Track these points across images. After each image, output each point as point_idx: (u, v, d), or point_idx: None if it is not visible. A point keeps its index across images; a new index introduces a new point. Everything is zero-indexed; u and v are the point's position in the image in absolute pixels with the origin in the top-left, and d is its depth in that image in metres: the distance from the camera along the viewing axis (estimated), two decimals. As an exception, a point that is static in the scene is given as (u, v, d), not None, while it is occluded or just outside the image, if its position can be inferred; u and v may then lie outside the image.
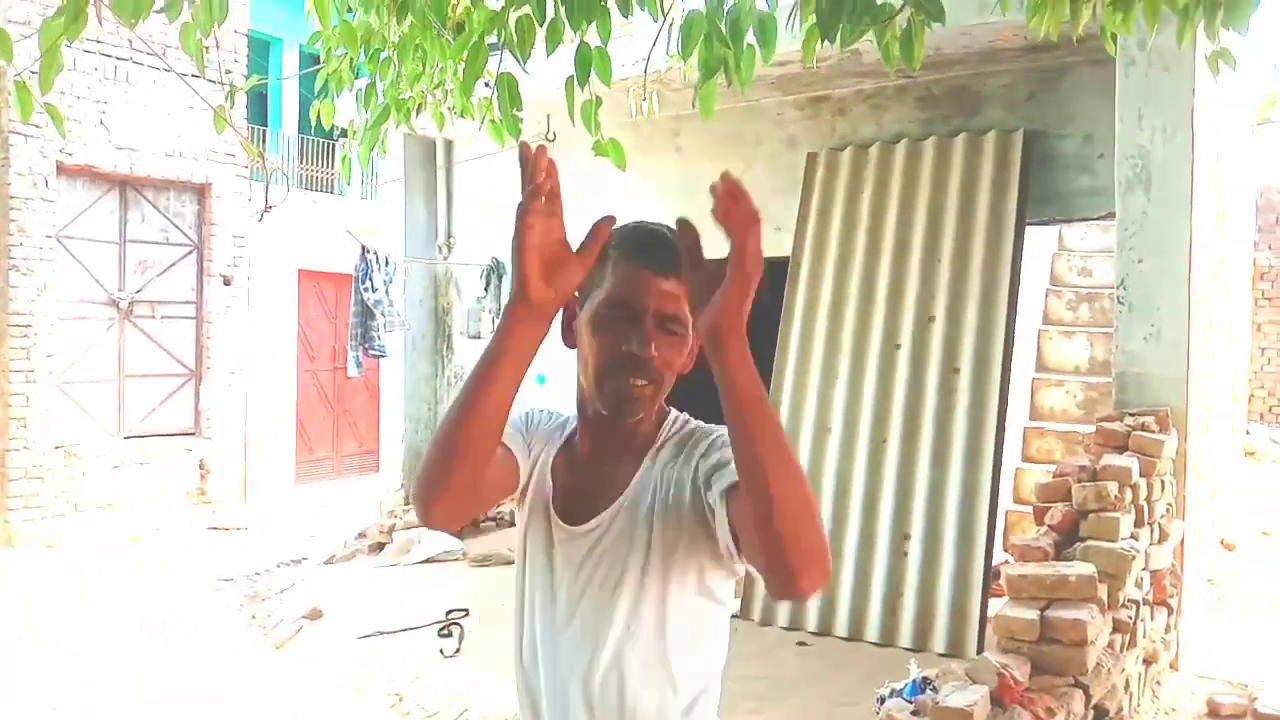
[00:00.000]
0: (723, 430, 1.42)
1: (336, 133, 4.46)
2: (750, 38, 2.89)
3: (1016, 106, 6.09)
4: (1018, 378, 6.90)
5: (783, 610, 5.88)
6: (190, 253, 9.24)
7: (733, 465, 1.27)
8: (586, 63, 3.05)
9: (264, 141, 11.93)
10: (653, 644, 1.46)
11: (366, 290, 6.66)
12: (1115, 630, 3.43)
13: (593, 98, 3.37)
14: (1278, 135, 10.75)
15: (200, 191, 9.22)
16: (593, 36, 3.01)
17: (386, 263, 6.95)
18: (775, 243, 6.87)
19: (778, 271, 6.62)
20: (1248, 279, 9.35)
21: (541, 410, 1.62)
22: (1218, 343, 6.39)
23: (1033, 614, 3.13)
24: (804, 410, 6.19)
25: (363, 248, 6.88)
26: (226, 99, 4.10)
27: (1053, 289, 7.93)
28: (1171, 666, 4.38)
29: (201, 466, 9.19)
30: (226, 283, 9.35)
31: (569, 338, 1.50)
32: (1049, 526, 3.63)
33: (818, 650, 5.37)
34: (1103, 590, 3.27)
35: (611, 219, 1.32)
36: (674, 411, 1.57)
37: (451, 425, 1.30)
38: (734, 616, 6.11)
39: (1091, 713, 3.20)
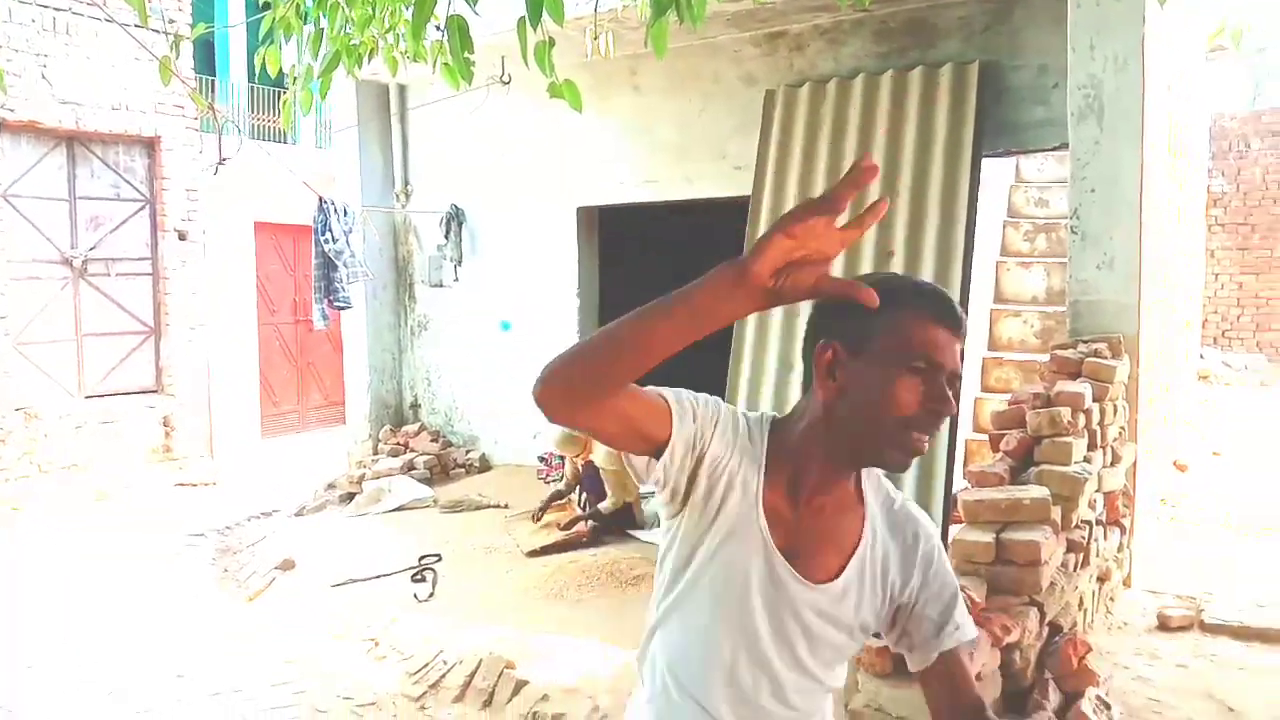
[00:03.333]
0: (935, 535, 1.54)
1: (288, 81, 4.38)
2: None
3: (972, 38, 6.09)
4: (976, 309, 7.01)
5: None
6: (143, 208, 9.07)
7: (961, 629, 1.50)
8: (538, 2, 3.02)
9: (213, 92, 11.66)
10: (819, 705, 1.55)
11: (327, 241, 6.59)
12: (1069, 550, 3.55)
13: (546, 38, 3.33)
14: (1229, 64, 10.82)
15: (150, 145, 9.03)
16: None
17: (345, 212, 6.87)
18: (736, 181, 6.88)
19: (739, 210, 6.63)
20: (1201, 206, 9.48)
21: (743, 418, 1.49)
22: (1171, 269, 6.51)
23: (989, 537, 3.23)
24: (768, 348, 6.25)
25: (320, 198, 6.80)
26: (172, 49, 4.03)
27: (1010, 220, 8.01)
28: (1124, 583, 4.53)
29: (165, 423, 9.13)
30: (182, 237, 9.20)
31: (828, 383, 1.43)
32: (1004, 452, 3.72)
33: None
34: (1056, 512, 3.37)
35: (874, 166, 1.22)
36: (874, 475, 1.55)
37: (606, 344, 1.27)
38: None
39: (1046, 629, 3.32)
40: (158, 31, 8.11)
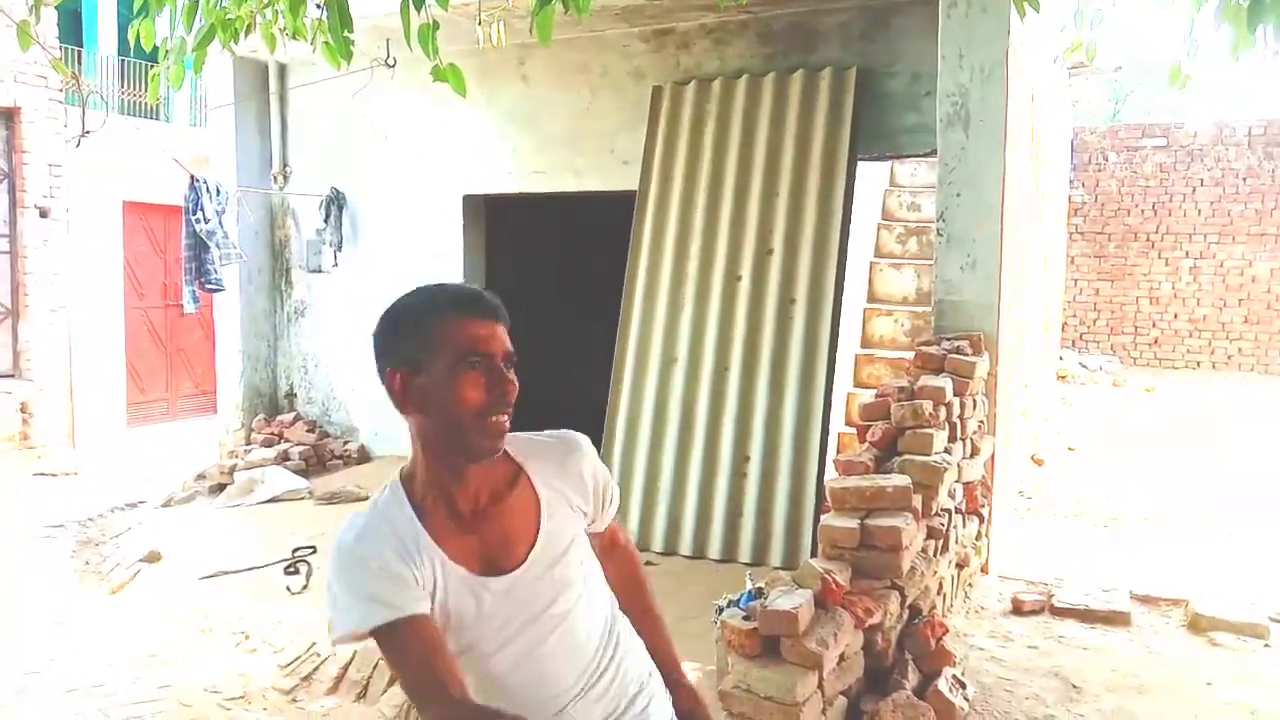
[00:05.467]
0: (581, 441, 1.77)
1: (160, 55, 4.23)
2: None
3: (850, 44, 6.28)
4: (850, 308, 7.23)
5: (631, 534, 6.07)
6: (0, 181, 8.59)
7: (614, 501, 1.81)
8: (422, -15, 3.01)
9: (79, 63, 11.10)
10: (603, 614, 1.74)
11: (198, 221, 6.35)
12: (929, 537, 3.72)
13: (430, 21, 3.31)
14: (1090, 81, 11.43)
15: (9, 115, 8.54)
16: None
17: (218, 192, 6.64)
18: (623, 175, 6.93)
19: (626, 205, 6.69)
20: (1063, 214, 9.99)
21: (375, 558, 1.56)
22: (1032, 273, 6.85)
23: (853, 523, 3.36)
24: (652, 341, 6.33)
25: (191, 176, 6.55)
26: (32, 12, 3.83)
27: (884, 223, 8.29)
28: (982, 570, 4.77)
29: (23, 409, 8.67)
30: (43, 214, 8.74)
31: (408, 408, 1.58)
32: (870, 443, 3.88)
33: (664, 569, 5.58)
34: (917, 500, 3.53)
35: None
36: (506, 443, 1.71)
37: None
38: (583, 542, 6.27)
39: (907, 612, 3.48)
40: (18, -3, 7.69)
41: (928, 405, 3.84)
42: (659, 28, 6.85)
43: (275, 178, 8.17)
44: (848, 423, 7.24)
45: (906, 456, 3.73)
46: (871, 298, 7.92)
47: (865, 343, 7.72)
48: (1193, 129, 11.50)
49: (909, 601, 3.46)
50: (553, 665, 1.64)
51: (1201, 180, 11.50)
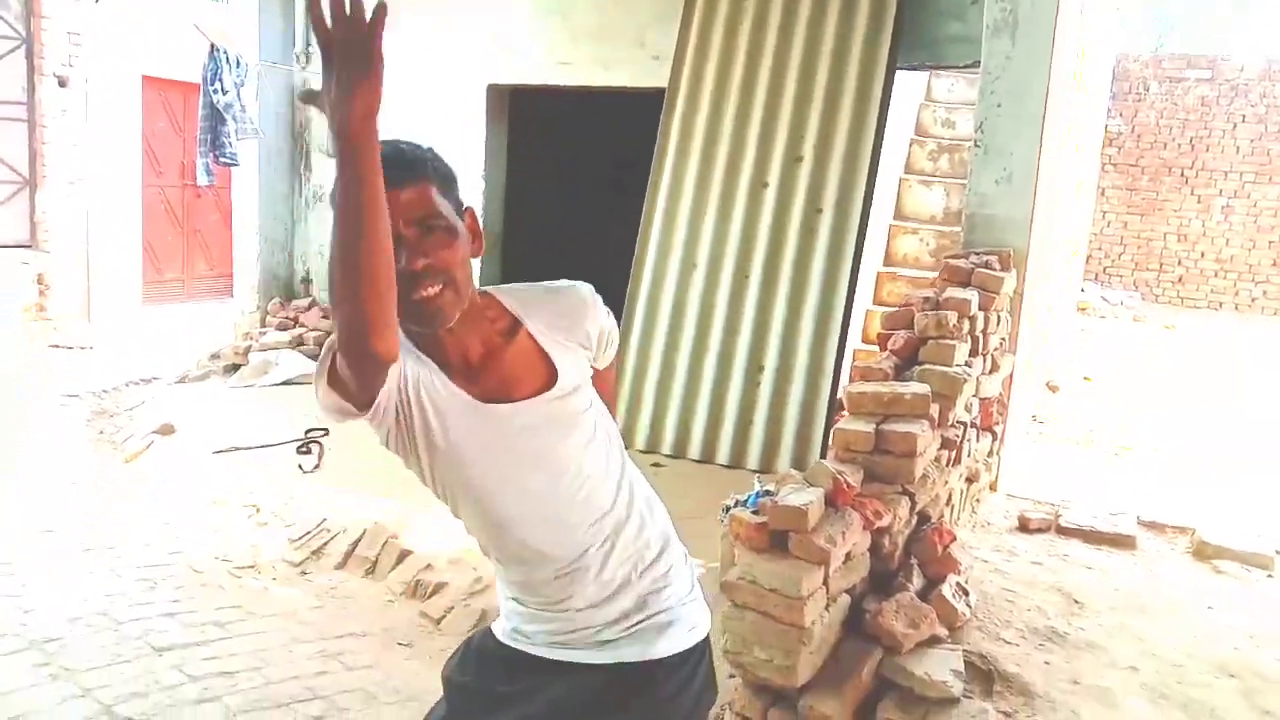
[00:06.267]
0: (582, 289, 1.70)
1: None
2: None
3: (898, -53, 6.04)
4: (875, 224, 7.12)
5: (640, 435, 6.09)
6: (18, 47, 8.44)
7: (612, 344, 1.74)
8: None
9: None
10: (617, 463, 1.69)
11: (216, 92, 6.23)
12: (943, 447, 3.70)
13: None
14: (1138, 5, 11.06)
15: (27, -22, 8.39)
16: None
17: (238, 64, 6.50)
18: (653, 71, 6.76)
19: (654, 101, 6.54)
20: (1098, 143, 9.77)
21: None
22: (1065, 197, 6.71)
23: (869, 427, 3.34)
24: (673, 245, 6.25)
25: (211, 45, 6.40)
26: None
27: (916, 139, 8.12)
28: (990, 487, 4.77)
29: (40, 281, 8.69)
30: (62, 84, 8.62)
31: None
32: (890, 351, 3.84)
33: (672, 471, 5.61)
34: (935, 409, 3.51)
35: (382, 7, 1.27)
36: (496, 291, 1.65)
37: (365, 250, 1.27)
38: (593, 441, 6.30)
39: (916, 518, 3.48)
40: None
41: (952, 316, 3.79)
42: (700, -81, 6.60)
43: (297, 57, 8.01)
44: (865, 340, 7.19)
45: (927, 366, 3.69)
46: (898, 215, 7.80)
47: (888, 260, 7.63)
48: (1240, 62, 11.15)
49: (918, 508, 3.46)
50: (566, 510, 1.60)
51: (1244, 116, 11.20)
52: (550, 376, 1.60)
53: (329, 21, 1.23)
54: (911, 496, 3.37)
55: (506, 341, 1.60)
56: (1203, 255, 11.62)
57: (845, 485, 3.10)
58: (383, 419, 1.52)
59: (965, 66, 6.11)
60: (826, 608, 3.10)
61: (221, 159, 6.60)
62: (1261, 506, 5.01)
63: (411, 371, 1.52)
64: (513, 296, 1.64)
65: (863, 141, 5.87)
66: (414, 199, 1.45)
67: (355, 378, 1.40)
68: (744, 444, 5.87)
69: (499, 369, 1.58)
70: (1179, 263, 11.73)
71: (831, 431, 3.40)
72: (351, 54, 1.24)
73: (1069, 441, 6.18)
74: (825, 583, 3.06)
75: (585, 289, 1.71)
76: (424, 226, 1.46)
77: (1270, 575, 4.01)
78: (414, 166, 1.48)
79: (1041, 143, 4.56)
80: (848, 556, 3.17)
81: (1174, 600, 3.68)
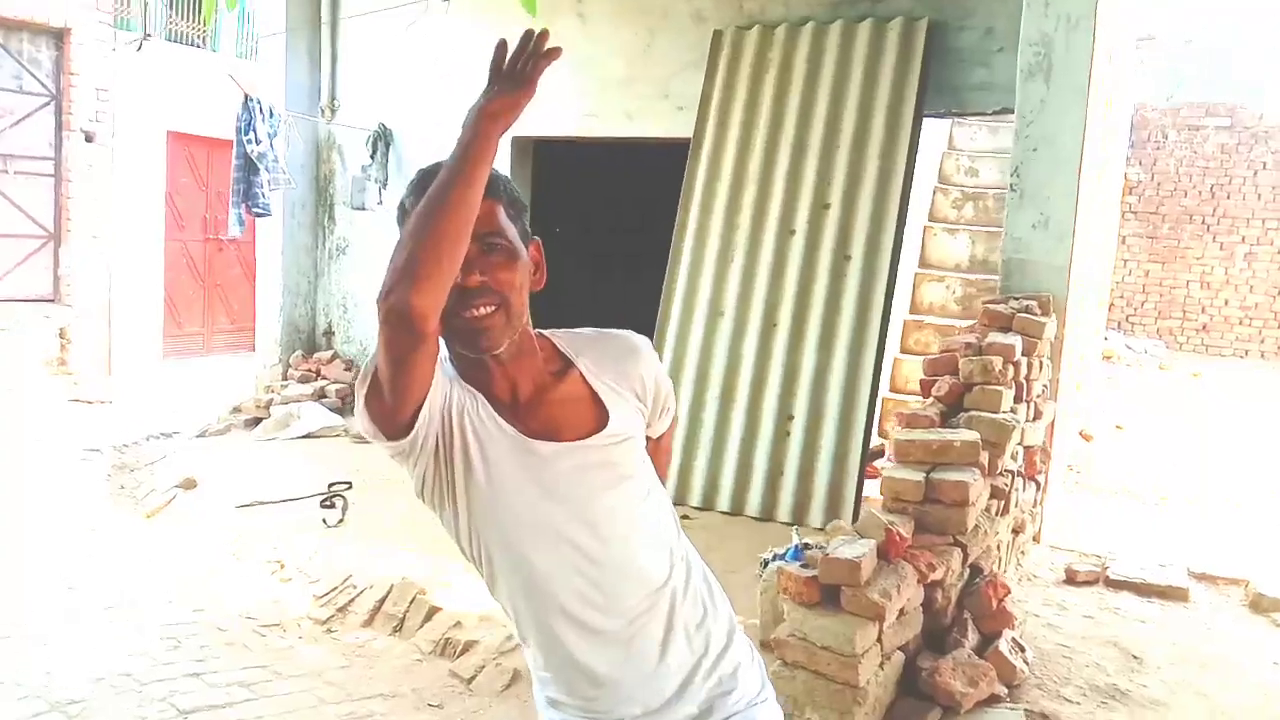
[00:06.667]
0: (642, 343, 1.63)
1: None
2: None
3: (922, -4, 6.07)
4: (902, 271, 7.07)
5: (667, 486, 5.98)
6: (48, 103, 8.52)
7: (670, 410, 1.68)
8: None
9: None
10: (671, 528, 1.58)
11: (250, 141, 6.25)
12: (993, 496, 3.60)
13: (504, -63, 3.16)
14: (1155, 53, 11.11)
15: (59, 36, 8.46)
16: None
17: (271, 114, 6.54)
18: (678, 121, 6.76)
19: (679, 151, 6.54)
20: (1119, 190, 9.73)
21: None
22: (1094, 243, 6.64)
23: (919, 476, 3.24)
24: (699, 292, 6.20)
25: (245, 95, 6.44)
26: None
27: (940, 187, 8.10)
28: (1034, 539, 4.64)
29: (62, 335, 8.67)
30: (89, 139, 8.69)
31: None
32: (935, 397, 3.75)
33: (701, 524, 5.49)
34: (984, 457, 3.41)
35: (545, 33, 1.38)
36: (549, 333, 1.58)
37: (443, 212, 1.30)
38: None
39: (968, 571, 3.36)
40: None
41: (997, 362, 3.71)
42: (723, -30, 6.66)
43: (323, 110, 8.07)
44: (893, 389, 7.10)
45: (974, 412, 3.60)
46: (924, 263, 7.74)
47: (915, 309, 7.56)
48: (1258, 110, 11.15)
49: (970, 560, 3.35)
50: (613, 576, 1.46)
51: (1264, 164, 11.16)
52: (600, 422, 1.51)
53: (508, 60, 1.36)
54: (964, 548, 3.26)
55: (557, 381, 1.52)
56: (1226, 303, 11.51)
57: (898, 537, 3.00)
58: (420, 452, 1.42)
59: (992, 114, 6.11)
60: (881, 665, 2.97)
61: (254, 209, 6.60)
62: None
63: (457, 399, 1.44)
64: (565, 338, 1.58)
65: (891, 188, 5.82)
66: (480, 214, 1.39)
67: (390, 350, 1.32)
68: (775, 495, 5.75)
69: (548, 408, 1.50)
70: (1203, 310, 11.63)
71: (880, 480, 3.30)
72: (514, 76, 1.35)
73: (1105, 491, 6.04)
74: (879, 639, 2.94)
75: (638, 337, 1.65)
76: (486, 244, 1.42)
77: (1333, 629, 3.86)
78: (486, 184, 1.43)
79: (1079, 186, 4.50)
80: (901, 612, 3.05)
81: (1235, 656, 3.53)
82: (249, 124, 6.28)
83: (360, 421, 1.43)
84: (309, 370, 8.17)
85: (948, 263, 7.76)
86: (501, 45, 1.36)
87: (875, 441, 6.25)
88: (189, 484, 5.96)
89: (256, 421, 7.56)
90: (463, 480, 1.45)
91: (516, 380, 1.48)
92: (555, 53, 1.36)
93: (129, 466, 6.63)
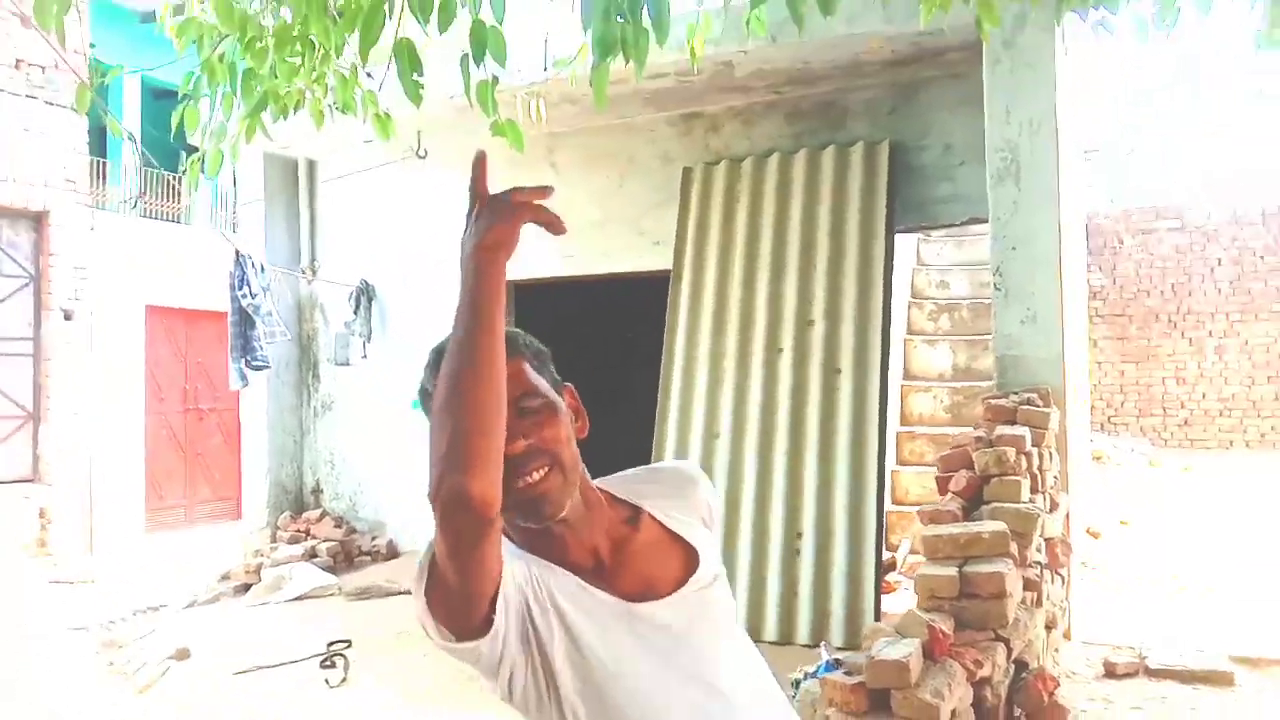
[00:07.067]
0: (694, 471, 1.55)
1: (181, 165, 4.21)
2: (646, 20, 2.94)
3: (879, 120, 6.34)
4: (890, 383, 7.13)
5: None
6: (26, 285, 8.58)
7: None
8: (482, 41, 2.99)
9: (104, 175, 11.25)
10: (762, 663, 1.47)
11: (244, 296, 6.29)
12: (1026, 589, 3.52)
13: (490, 77, 3.27)
14: (1103, 164, 11.60)
15: (37, 219, 8.60)
16: (487, 14, 2.97)
17: (262, 269, 6.61)
18: (654, 255, 6.92)
19: (659, 285, 6.65)
20: (1084, 296, 9.97)
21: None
22: (1075, 339, 6.76)
23: (952, 571, 3.17)
24: (692, 417, 6.20)
25: (236, 251, 6.53)
26: (91, 79, 3.83)
27: (914, 301, 8.26)
28: (1065, 635, 4.53)
29: (42, 515, 8.47)
30: (67, 317, 8.71)
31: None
32: (954, 493, 3.71)
33: (719, 653, 5.31)
34: (1013, 548, 3.35)
35: (482, 153, 1.28)
36: (601, 484, 1.47)
37: (471, 374, 1.17)
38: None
39: (1013, 666, 3.26)
40: (50, 104, 7.83)
41: (1011, 452, 3.70)
42: (687, 112, 6.94)
43: (304, 271, 8.16)
44: (894, 501, 7.05)
45: (995, 504, 3.56)
46: (908, 375, 7.83)
47: (905, 420, 7.59)
48: (1206, 210, 11.59)
49: (1014, 655, 3.25)
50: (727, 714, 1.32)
51: (1219, 260, 11.53)
52: (690, 563, 1.41)
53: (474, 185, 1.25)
54: (1006, 642, 3.16)
55: (633, 531, 1.41)
56: (1204, 396, 11.68)
57: (941, 634, 2.91)
58: (504, 646, 1.25)
59: (961, 224, 6.30)
60: (940, 771, 2.84)
61: (254, 363, 6.58)
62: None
63: (536, 577, 1.30)
64: (619, 484, 1.48)
65: (872, 301, 5.93)
66: (506, 375, 1.26)
67: (453, 543, 1.17)
68: (791, 617, 5.61)
69: (635, 563, 1.38)
70: (1182, 405, 11.77)
71: (914, 579, 3.23)
72: (499, 209, 1.22)
73: (1123, 585, 5.95)
74: (935, 742, 2.81)
75: (686, 463, 1.59)
76: (521, 407, 1.31)
77: (1384, 701, 3.75)
78: (512, 340, 1.34)
79: (1060, 279, 4.61)
80: (954, 714, 2.93)
81: (1294, 735, 3.42)
82: (242, 279, 6.34)
83: (426, 627, 1.26)
84: (298, 531, 7.99)
85: (931, 373, 7.85)
86: (480, 158, 1.27)
87: (885, 556, 6.16)
88: (182, 654, 5.72)
89: (247, 588, 7.33)
90: (566, 668, 1.29)
91: (593, 540, 1.37)
92: (546, 190, 1.25)
93: (117, 643, 6.36)
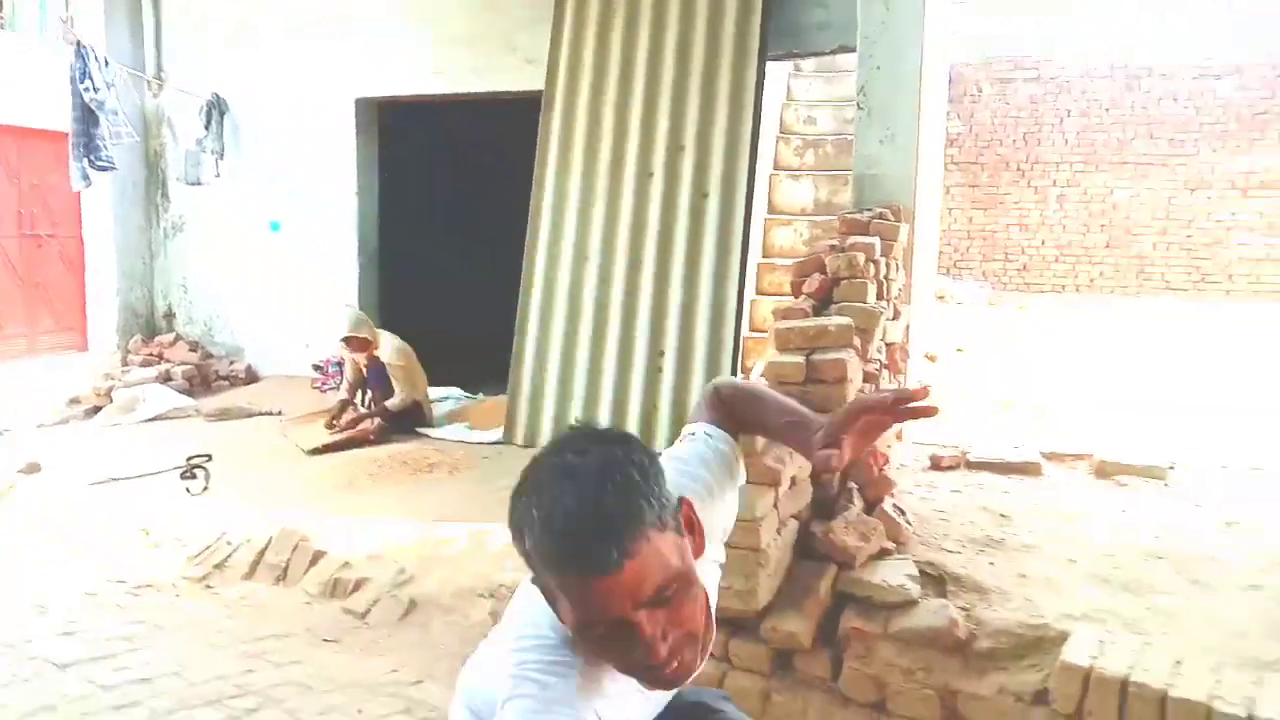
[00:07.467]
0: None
1: None
2: None
3: (756, -60, 6.26)
4: (754, 215, 7.30)
5: (544, 429, 6.02)
6: None
7: None
8: None
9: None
10: None
11: (87, 90, 5.87)
12: (865, 381, 3.78)
13: None
14: (969, 12, 11.80)
15: None
16: None
17: (106, 63, 6.16)
18: (527, 75, 6.77)
19: (530, 105, 6.54)
20: (942, 133, 10.30)
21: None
22: (931, 177, 7.03)
23: (799, 359, 3.38)
24: (563, 239, 6.24)
25: (78, 42, 6.04)
26: None
27: (782, 136, 8.37)
28: (898, 436, 4.89)
29: None
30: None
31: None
32: (806, 294, 3.91)
33: (582, 461, 5.52)
34: (857, 341, 3.58)
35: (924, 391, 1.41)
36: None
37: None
38: (496, 443, 6.18)
39: (849, 445, 3.52)
40: None
41: (860, 257, 3.90)
42: (561, -77, 6.68)
43: (149, 83, 7.67)
44: (752, 328, 7.31)
45: (844, 304, 3.78)
46: (771, 209, 7.99)
47: (766, 252, 7.79)
48: (1061, 62, 11.99)
49: (851, 436, 3.51)
50: None
51: (1069, 111, 12.03)
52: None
53: None
54: (845, 422, 3.41)
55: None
56: (1043, 243, 12.35)
57: (786, 408, 3.12)
58: None
59: (830, 51, 6.37)
60: (778, 531, 3.10)
61: (97, 163, 6.18)
62: (1143, 438, 5.30)
63: None
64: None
65: (742, 127, 6.00)
66: (638, 574, 1.11)
67: None
68: (651, 430, 5.87)
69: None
70: (1022, 251, 12.44)
71: (763, 366, 3.43)
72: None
73: (956, 399, 6.40)
74: (776, 505, 3.06)
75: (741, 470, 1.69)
76: (659, 599, 1.15)
77: (1166, 484, 4.23)
78: (627, 526, 1.12)
79: (920, 101, 4.77)
80: (793, 480, 3.19)
81: (1088, 508, 3.85)
82: (84, 72, 5.90)
83: None
84: (151, 355, 7.78)
85: (794, 207, 8.04)
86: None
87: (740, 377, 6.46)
88: (32, 468, 5.60)
89: (97, 410, 7.16)
90: None
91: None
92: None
93: (-41, 463, 6.15)
